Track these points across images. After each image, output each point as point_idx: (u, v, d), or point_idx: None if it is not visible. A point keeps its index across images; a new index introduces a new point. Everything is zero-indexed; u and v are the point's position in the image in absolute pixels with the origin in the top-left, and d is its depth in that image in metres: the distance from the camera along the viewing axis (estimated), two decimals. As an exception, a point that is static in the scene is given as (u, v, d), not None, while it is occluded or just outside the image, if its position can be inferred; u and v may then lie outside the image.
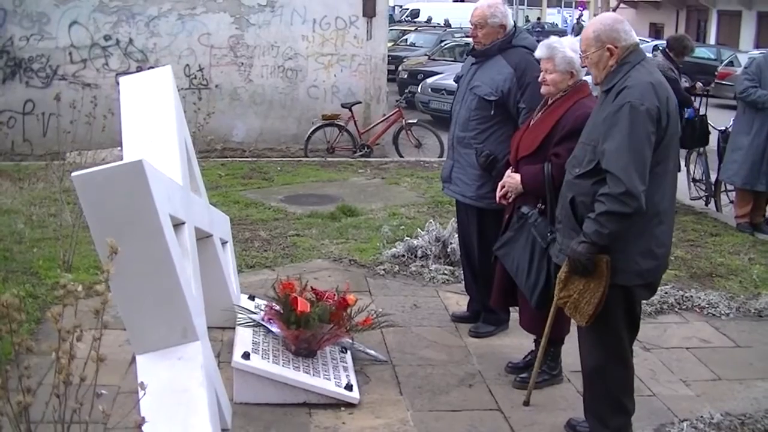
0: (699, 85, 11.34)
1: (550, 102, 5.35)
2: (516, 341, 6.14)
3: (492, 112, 5.98)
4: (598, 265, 4.38)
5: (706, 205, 11.20)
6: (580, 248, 4.38)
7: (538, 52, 5.35)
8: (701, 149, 11.14)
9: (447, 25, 45.99)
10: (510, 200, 5.52)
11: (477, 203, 6.16)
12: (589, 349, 4.69)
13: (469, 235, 6.37)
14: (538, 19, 62.05)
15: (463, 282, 6.78)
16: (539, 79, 5.35)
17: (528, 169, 5.34)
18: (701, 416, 5.20)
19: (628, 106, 4.26)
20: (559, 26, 59.71)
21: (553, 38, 5.41)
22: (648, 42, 32.90)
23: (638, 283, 4.49)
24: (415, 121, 15.26)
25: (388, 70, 16.47)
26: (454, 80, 6.72)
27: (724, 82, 25.95)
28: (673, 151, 4.46)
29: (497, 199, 5.62)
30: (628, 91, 4.32)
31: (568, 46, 5.22)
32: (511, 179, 5.47)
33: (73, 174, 3.72)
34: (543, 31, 43.80)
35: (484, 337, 6.36)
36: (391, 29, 28.57)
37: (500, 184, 5.58)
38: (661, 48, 10.75)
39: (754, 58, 10.62)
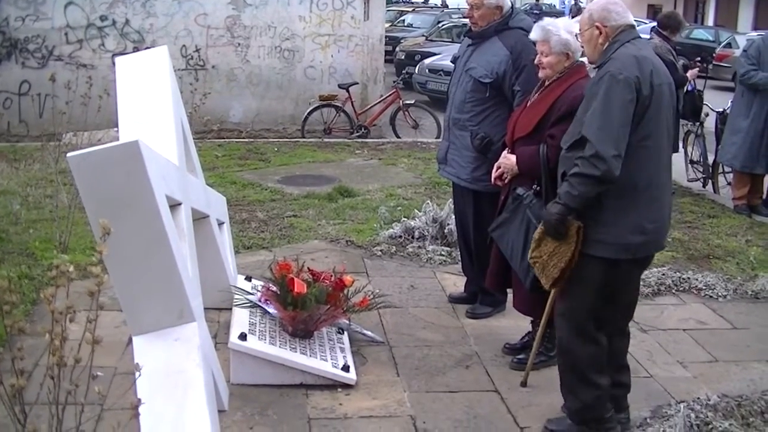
0: (698, 65, 11.30)
1: (547, 83, 5.33)
2: (513, 322, 6.13)
3: (487, 94, 5.96)
4: (569, 230, 4.42)
5: (704, 186, 11.20)
6: (553, 209, 4.44)
7: (533, 35, 5.31)
8: (699, 130, 11.12)
9: (444, 5, 45.96)
10: (506, 181, 5.50)
11: (472, 186, 6.14)
12: (558, 319, 4.73)
13: (466, 217, 6.36)
14: (537, 1, 61.81)
15: (460, 263, 6.78)
16: (536, 62, 5.32)
17: (523, 150, 5.31)
18: (698, 398, 5.20)
19: (608, 76, 4.32)
20: (557, 8, 59.53)
21: (547, 20, 5.38)
22: (645, 23, 32.80)
23: (624, 257, 4.47)
24: (412, 101, 15.23)
25: (386, 51, 16.43)
26: (451, 61, 6.69)
27: (722, 64, 25.96)
28: (663, 128, 4.44)
29: (492, 179, 5.60)
30: (610, 63, 4.40)
31: (563, 28, 5.19)
32: (507, 160, 5.44)
33: (69, 154, 3.70)
34: (541, 13, 43.64)
35: (481, 318, 6.36)
36: (389, 10, 28.50)
37: (496, 164, 5.56)
38: (654, 29, 10.69)
39: (753, 41, 10.58)
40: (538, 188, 5.20)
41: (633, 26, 4.60)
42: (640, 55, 4.41)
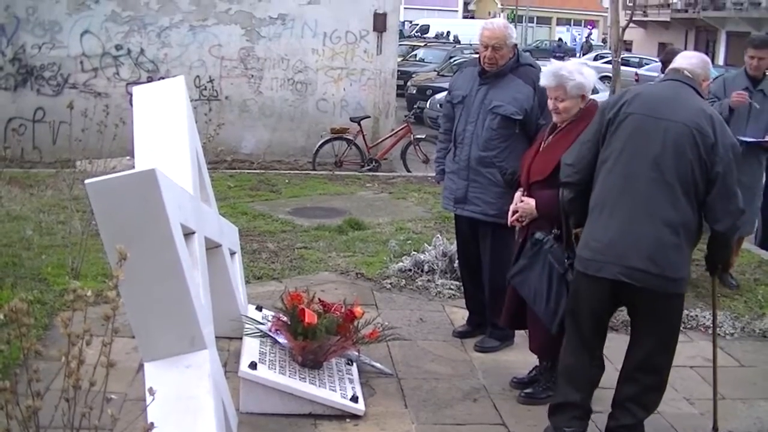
0: None
1: (560, 126, 5.36)
2: (521, 356, 6.14)
3: (516, 130, 6.04)
4: None
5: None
6: None
7: (545, 82, 5.32)
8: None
9: (456, 41, 46.15)
10: (524, 224, 5.52)
11: (501, 220, 6.06)
12: None
13: (483, 253, 6.34)
14: (560, 39, 62.13)
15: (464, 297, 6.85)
16: (550, 108, 5.35)
17: (542, 194, 5.33)
18: (705, 435, 5.21)
19: None
20: (568, 45, 59.91)
21: (556, 64, 5.40)
22: (656, 62, 32.92)
23: (579, 269, 4.78)
24: (423, 136, 15.28)
25: (397, 85, 16.53)
26: (448, 100, 6.58)
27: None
28: (630, 155, 4.59)
29: (509, 221, 5.64)
30: None
31: (576, 71, 5.23)
32: (526, 204, 5.46)
33: (87, 181, 3.75)
34: (565, 54, 43.53)
35: (489, 351, 6.37)
36: (401, 44, 28.65)
37: (512, 208, 5.58)
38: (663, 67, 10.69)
39: (720, 75, 10.37)
40: (558, 232, 5.20)
41: (676, 70, 4.82)
42: (636, 88, 4.93)
